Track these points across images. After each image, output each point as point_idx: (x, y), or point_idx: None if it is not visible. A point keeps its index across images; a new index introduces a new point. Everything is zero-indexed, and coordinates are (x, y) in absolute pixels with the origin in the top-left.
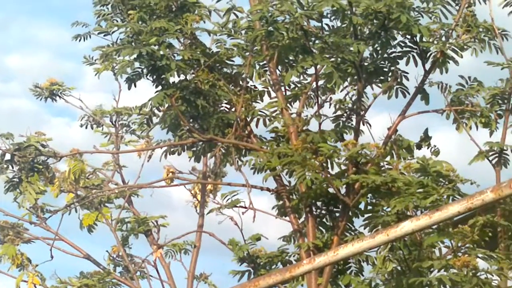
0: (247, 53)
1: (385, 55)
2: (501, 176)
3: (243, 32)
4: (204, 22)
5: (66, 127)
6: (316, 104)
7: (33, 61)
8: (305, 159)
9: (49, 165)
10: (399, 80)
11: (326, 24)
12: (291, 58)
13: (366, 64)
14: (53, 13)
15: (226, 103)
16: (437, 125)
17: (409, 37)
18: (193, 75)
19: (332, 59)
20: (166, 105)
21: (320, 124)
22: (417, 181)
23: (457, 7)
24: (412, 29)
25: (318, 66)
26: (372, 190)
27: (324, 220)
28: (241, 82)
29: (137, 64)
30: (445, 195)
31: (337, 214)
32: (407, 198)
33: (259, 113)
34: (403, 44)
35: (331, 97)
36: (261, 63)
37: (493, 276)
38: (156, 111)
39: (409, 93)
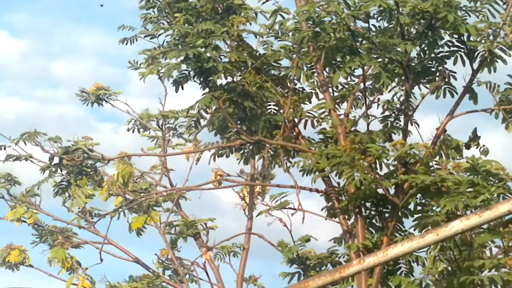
0: (294, 55)
1: (433, 55)
2: None
3: (289, 33)
4: (251, 24)
5: (113, 132)
6: (364, 104)
7: (78, 67)
8: (353, 160)
9: (97, 168)
10: (446, 80)
11: (373, 25)
12: (338, 59)
13: (413, 64)
14: (98, 20)
15: (273, 105)
16: (485, 125)
17: (456, 36)
18: (240, 77)
19: (380, 60)
20: (214, 107)
21: (368, 124)
22: (467, 180)
23: (505, 6)
24: (460, 29)
25: (366, 67)
26: (421, 190)
27: (374, 221)
28: (288, 84)
29: (183, 67)
30: (495, 194)
31: (387, 215)
32: (457, 197)
33: (307, 114)
34: (450, 44)
35: (378, 98)
36: (308, 65)
37: None
38: (203, 114)
39: (457, 93)
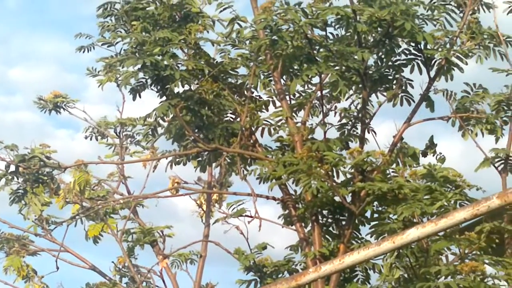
0: (251, 63)
1: (390, 63)
2: (507, 182)
3: (247, 41)
4: (208, 32)
5: (69, 139)
6: (321, 112)
7: (36, 73)
8: (310, 168)
9: (54, 176)
10: (404, 87)
11: (331, 33)
12: (295, 67)
13: (370, 72)
14: (55, 26)
15: (231, 113)
16: (442, 133)
17: (413, 44)
18: (197, 85)
19: (337, 68)
20: (171, 115)
21: (325, 132)
22: (424, 186)
23: (461, 14)
24: (417, 37)
25: (323, 75)
26: (378, 198)
27: (330, 228)
28: (245, 92)
29: (141, 75)
30: (452, 201)
31: (343, 222)
32: (414, 204)
33: (264, 122)
34: (407, 52)
35: (336, 106)
36: (265, 73)
37: (500, 281)
38: (160, 122)
39: (414, 101)
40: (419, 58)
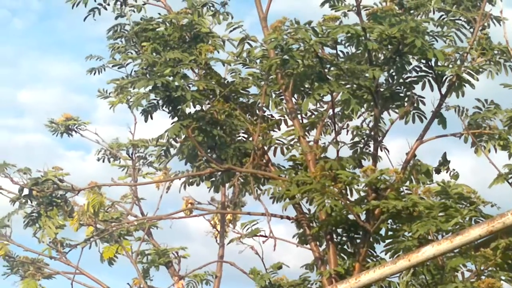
0: (262, 82)
1: (401, 80)
2: None
3: (257, 61)
4: (218, 52)
5: (80, 160)
6: (333, 131)
7: (44, 95)
8: (324, 187)
9: (68, 199)
10: (415, 105)
11: (341, 51)
12: (306, 86)
13: (382, 89)
14: (63, 47)
15: (243, 133)
16: (452, 148)
17: (424, 61)
18: (209, 105)
19: (348, 86)
20: (183, 136)
21: (338, 151)
22: (438, 203)
23: (471, 30)
24: (427, 54)
25: (334, 93)
26: (393, 216)
27: (345, 247)
28: (257, 111)
29: (152, 96)
30: (467, 217)
31: (358, 241)
32: (429, 222)
33: (277, 141)
34: (418, 69)
35: (348, 124)
36: (276, 92)
37: None
38: (173, 143)
39: (426, 118)
40: (430, 75)
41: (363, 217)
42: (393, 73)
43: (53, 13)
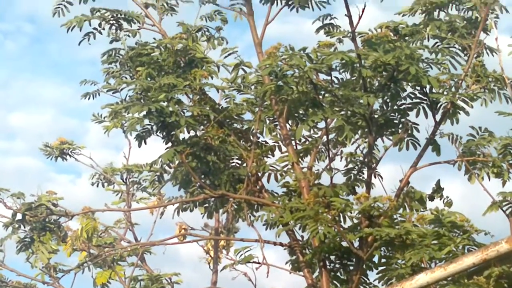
0: (257, 108)
1: (395, 107)
2: None
3: (252, 86)
4: (212, 78)
5: (71, 184)
6: (327, 157)
7: (36, 118)
8: (317, 213)
9: (61, 224)
10: (409, 132)
11: (336, 77)
12: (301, 112)
13: (376, 116)
14: (54, 70)
15: (237, 159)
16: (443, 175)
17: (418, 88)
18: (203, 131)
19: (342, 112)
20: (177, 162)
21: (331, 177)
22: (432, 232)
23: (466, 58)
24: (422, 81)
25: (328, 120)
26: (386, 243)
27: (338, 274)
28: (251, 137)
29: (146, 121)
30: (460, 246)
31: (351, 268)
32: (422, 250)
33: (270, 168)
34: (412, 96)
35: (342, 151)
36: (271, 118)
37: None
38: (167, 168)
39: (420, 145)
40: (425, 102)
41: (356, 244)
42: (388, 100)
43: (45, 36)
